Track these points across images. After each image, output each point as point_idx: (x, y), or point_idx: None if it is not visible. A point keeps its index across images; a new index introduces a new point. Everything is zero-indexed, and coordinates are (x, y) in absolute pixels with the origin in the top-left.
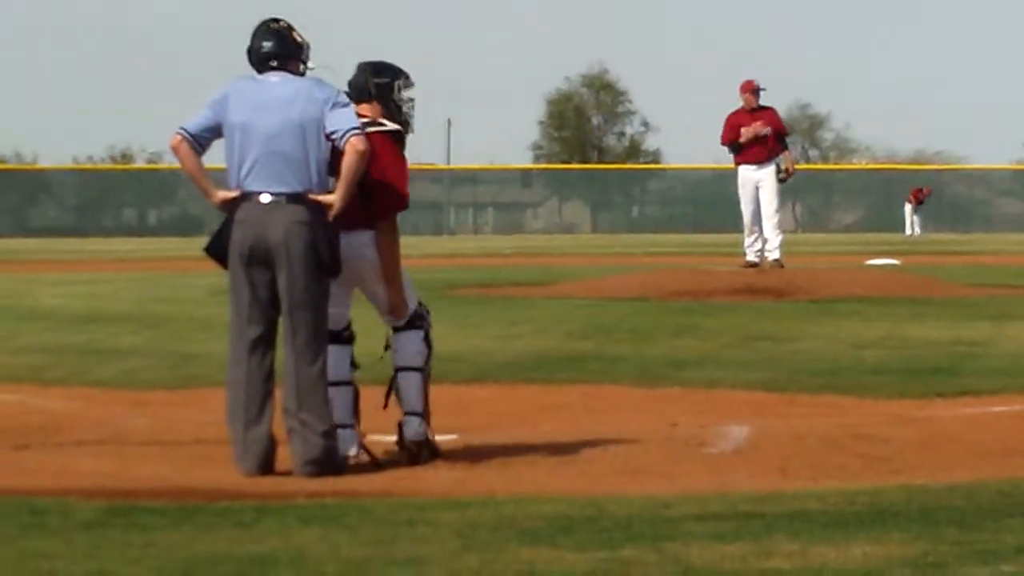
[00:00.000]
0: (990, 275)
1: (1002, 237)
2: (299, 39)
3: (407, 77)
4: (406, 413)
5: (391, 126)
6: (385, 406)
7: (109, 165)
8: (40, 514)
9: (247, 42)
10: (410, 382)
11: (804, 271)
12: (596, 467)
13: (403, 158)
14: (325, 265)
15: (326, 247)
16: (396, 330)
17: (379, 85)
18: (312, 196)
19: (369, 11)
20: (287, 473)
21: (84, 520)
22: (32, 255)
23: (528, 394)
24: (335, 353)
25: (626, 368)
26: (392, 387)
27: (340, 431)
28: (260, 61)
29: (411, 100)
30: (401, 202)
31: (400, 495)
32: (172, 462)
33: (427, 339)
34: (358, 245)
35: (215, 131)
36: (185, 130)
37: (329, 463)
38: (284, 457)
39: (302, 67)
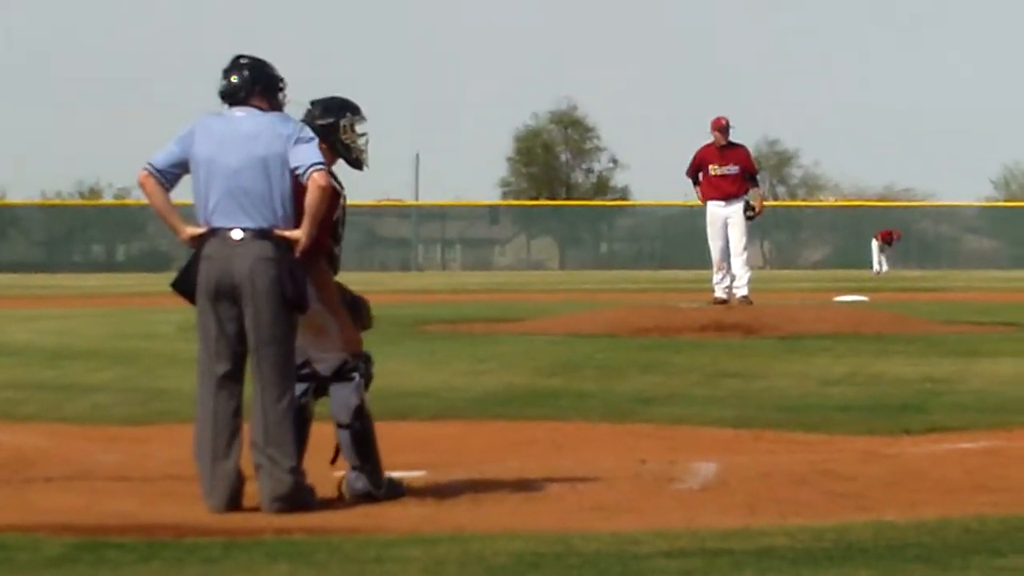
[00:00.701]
0: (958, 312)
1: (969, 274)
2: (269, 74)
3: (355, 112)
4: (350, 467)
5: None
6: (332, 461)
7: (77, 200)
8: (8, 550)
9: (217, 77)
10: (342, 438)
11: (772, 308)
12: (564, 503)
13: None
14: (291, 301)
15: (291, 283)
16: (328, 380)
17: (322, 127)
18: (278, 232)
19: (338, 46)
20: (255, 509)
21: (52, 556)
22: (1, 290)
23: (496, 430)
24: None
25: (594, 404)
26: (338, 440)
27: None
28: (227, 96)
29: (363, 135)
30: (320, 246)
31: (368, 532)
32: (141, 498)
33: (358, 390)
34: None
35: (182, 166)
36: (152, 165)
37: (297, 499)
38: (252, 493)
39: (275, 102)
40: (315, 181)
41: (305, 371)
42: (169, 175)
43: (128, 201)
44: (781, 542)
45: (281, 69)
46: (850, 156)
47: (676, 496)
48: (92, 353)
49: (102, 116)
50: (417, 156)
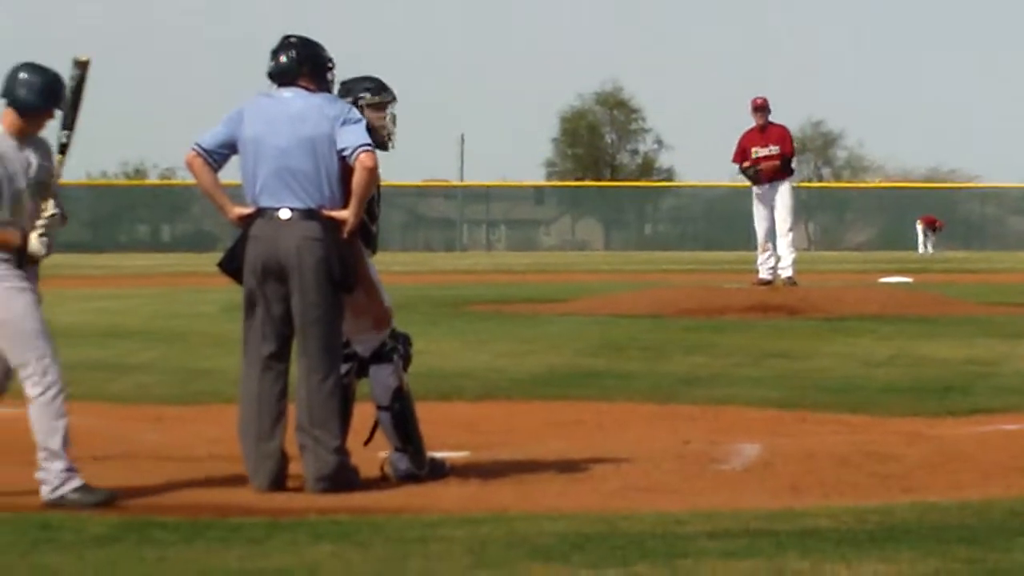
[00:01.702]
0: (1002, 294)
1: (1015, 255)
2: (318, 55)
3: (375, 92)
4: (393, 449)
5: None
6: (366, 442)
7: (123, 181)
8: (53, 529)
9: (264, 57)
10: (383, 420)
11: (817, 289)
12: (609, 484)
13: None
14: (338, 281)
15: (338, 263)
16: (368, 361)
17: None
18: (325, 212)
19: (383, 26)
20: (299, 489)
21: (97, 535)
22: (46, 271)
23: (540, 411)
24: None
25: (639, 385)
26: (376, 422)
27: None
28: (276, 76)
29: (386, 114)
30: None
31: (412, 511)
32: (185, 477)
33: (397, 372)
34: None
35: (230, 147)
36: (200, 146)
37: (341, 479)
38: (296, 473)
39: (323, 83)
40: (362, 162)
41: (348, 351)
42: (217, 155)
43: (174, 182)
44: (825, 523)
45: (326, 49)
46: (895, 137)
47: (720, 477)
48: (137, 333)
49: (148, 96)
50: (462, 136)
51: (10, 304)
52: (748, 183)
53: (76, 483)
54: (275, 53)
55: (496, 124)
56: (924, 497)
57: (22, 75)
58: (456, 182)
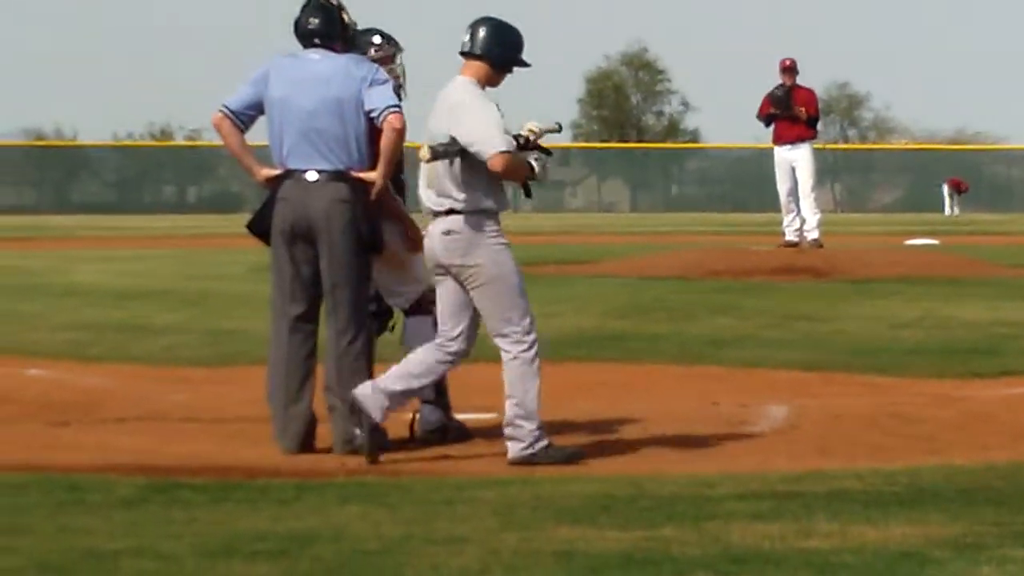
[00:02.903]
0: None
1: None
2: (346, 19)
3: (384, 43)
4: (422, 402)
5: None
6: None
7: (149, 142)
8: (80, 490)
9: (290, 20)
10: None
11: (843, 251)
12: (635, 446)
13: None
14: (366, 242)
15: (367, 224)
16: (406, 313)
17: None
18: (354, 174)
19: None
20: (327, 451)
21: (124, 496)
22: (72, 231)
23: (568, 372)
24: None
25: (666, 347)
26: None
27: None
28: (304, 37)
29: (400, 67)
30: None
31: (439, 474)
32: (213, 439)
33: (436, 324)
34: None
35: (257, 107)
36: (227, 107)
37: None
38: (324, 434)
39: (349, 44)
40: (390, 123)
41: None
42: (244, 117)
43: (199, 143)
44: (852, 485)
45: (351, 9)
46: (921, 99)
47: (747, 439)
48: (163, 294)
49: (174, 57)
50: None
51: (498, 259)
52: (770, 143)
53: (545, 442)
54: (304, 13)
55: (521, 85)
56: (951, 459)
57: (498, 32)
58: None
